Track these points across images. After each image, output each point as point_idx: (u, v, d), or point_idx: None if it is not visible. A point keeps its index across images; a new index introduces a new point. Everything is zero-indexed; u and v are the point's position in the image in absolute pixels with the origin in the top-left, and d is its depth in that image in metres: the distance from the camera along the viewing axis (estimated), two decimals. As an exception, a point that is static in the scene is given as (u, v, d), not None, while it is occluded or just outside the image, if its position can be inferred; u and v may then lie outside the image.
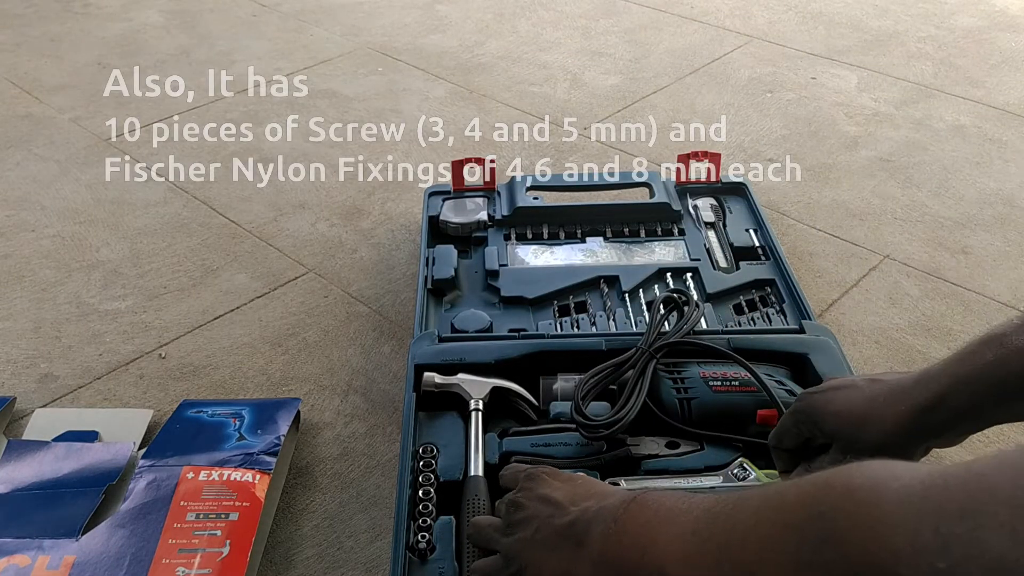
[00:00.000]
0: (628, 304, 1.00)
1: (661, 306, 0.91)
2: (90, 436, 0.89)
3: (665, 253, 1.08)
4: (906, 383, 0.61)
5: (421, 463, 0.78)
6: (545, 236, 1.12)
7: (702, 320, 0.95)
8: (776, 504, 0.42)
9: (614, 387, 0.83)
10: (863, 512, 0.36)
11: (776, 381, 0.82)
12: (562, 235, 1.12)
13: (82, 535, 0.77)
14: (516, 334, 0.94)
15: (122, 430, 0.90)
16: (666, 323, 0.88)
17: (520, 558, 0.59)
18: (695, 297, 0.92)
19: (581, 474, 0.68)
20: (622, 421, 0.77)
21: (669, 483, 0.75)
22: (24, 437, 0.90)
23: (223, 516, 0.78)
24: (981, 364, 0.56)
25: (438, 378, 0.85)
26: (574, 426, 0.80)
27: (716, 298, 1.00)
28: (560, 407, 0.83)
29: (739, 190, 1.18)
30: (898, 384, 0.62)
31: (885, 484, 0.37)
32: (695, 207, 1.16)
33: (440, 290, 1.02)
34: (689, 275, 1.03)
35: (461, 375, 0.85)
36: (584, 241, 1.11)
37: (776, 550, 0.41)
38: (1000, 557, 0.31)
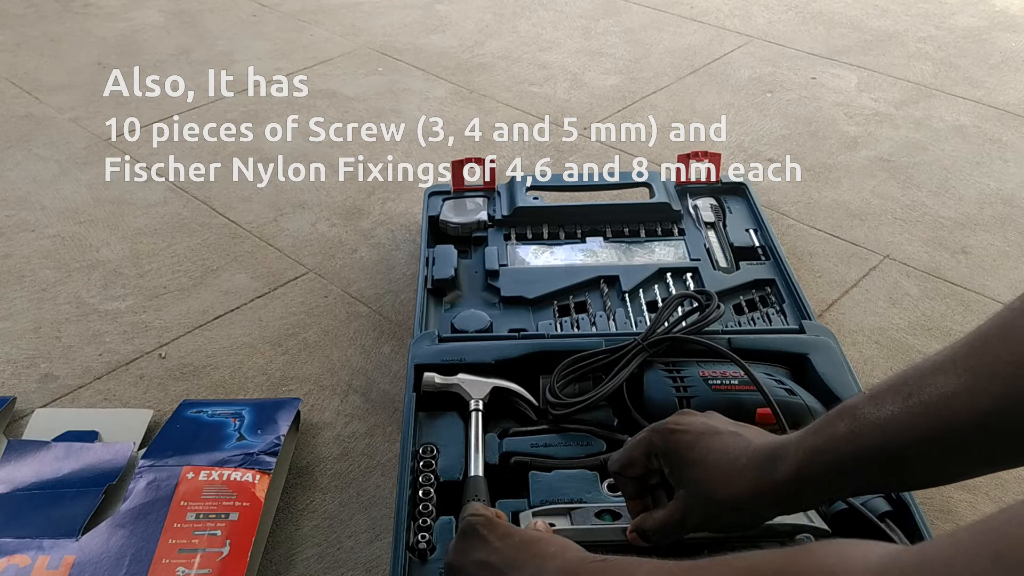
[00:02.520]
0: (628, 304, 1.00)
1: (681, 303, 0.90)
2: (90, 436, 0.89)
3: (665, 253, 1.08)
4: (764, 452, 0.60)
5: (421, 463, 0.78)
6: (545, 236, 1.12)
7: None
8: None
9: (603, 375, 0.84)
10: None
11: (776, 381, 0.82)
12: (562, 235, 1.12)
13: (82, 535, 0.77)
14: (516, 334, 0.94)
15: (122, 430, 0.90)
16: (669, 322, 0.88)
17: None
18: (716, 297, 0.91)
19: (517, 529, 0.62)
20: (587, 402, 0.79)
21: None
22: (24, 437, 0.90)
23: (223, 516, 0.78)
24: (835, 437, 0.56)
25: (438, 378, 0.85)
26: (574, 426, 0.80)
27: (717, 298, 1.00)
28: (548, 386, 0.84)
29: (739, 190, 1.18)
30: (758, 451, 0.61)
31: (837, 570, 0.37)
32: (695, 207, 1.16)
33: (440, 290, 1.02)
34: (689, 275, 1.03)
35: (461, 375, 0.85)
36: (584, 241, 1.11)
37: None
38: None
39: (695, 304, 0.90)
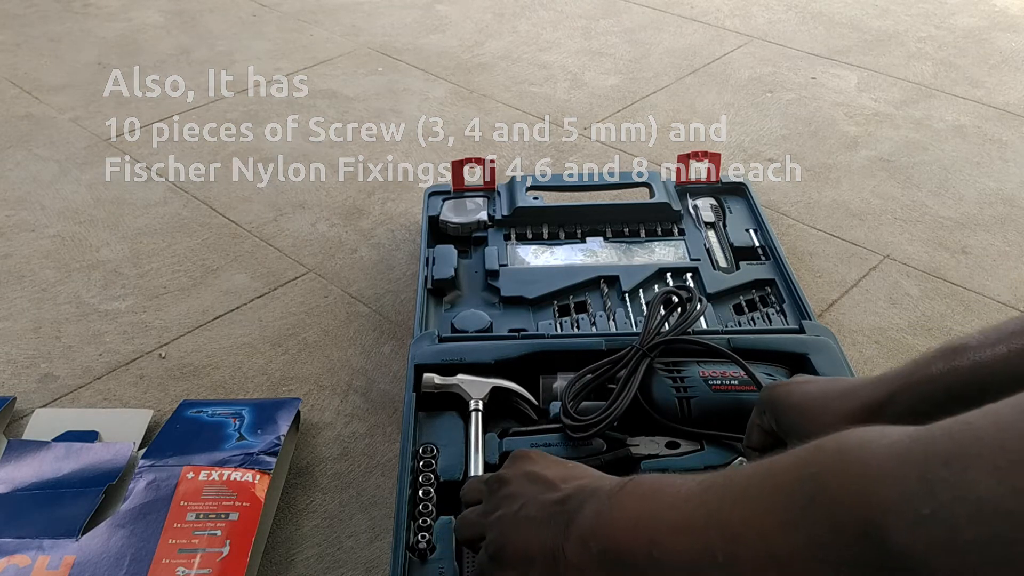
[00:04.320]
0: (628, 304, 1.00)
1: (662, 305, 0.90)
2: (90, 436, 0.89)
3: (665, 253, 1.08)
4: (860, 383, 0.63)
5: (421, 463, 0.78)
6: (545, 236, 1.12)
7: (702, 320, 0.95)
8: (767, 470, 0.42)
9: (613, 385, 0.83)
10: (851, 470, 0.37)
11: (776, 381, 0.82)
12: (562, 235, 1.12)
13: (82, 535, 0.77)
14: (516, 334, 0.94)
15: (122, 430, 0.90)
16: (666, 323, 0.88)
17: (499, 537, 0.56)
18: (697, 293, 0.91)
19: (574, 462, 0.64)
20: (607, 420, 0.78)
21: None
22: (24, 437, 0.90)
23: (223, 516, 0.78)
24: (933, 372, 0.58)
25: (437, 379, 0.85)
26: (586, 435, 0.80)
27: (716, 298, 1.00)
28: (560, 407, 0.83)
29: (739, 190, 1.18)
30: (853, 383, 0.64)
31: (874, 441, 0.37)
32: (695, 207, 1.16)
33: (440, 290, 1.02)
34: (689, 275, 1.03)
35: (460, 375, 0.85)
36: (584, 241, 1.11)
37: (762, 511, 0.40)
38: (983, 497, 0.31)
39: (677, 300, 0.90)
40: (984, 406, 0.35)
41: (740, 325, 0.97)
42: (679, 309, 0.88)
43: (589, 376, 0.83)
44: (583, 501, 0.53)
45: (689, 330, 0.87)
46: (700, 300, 0.88)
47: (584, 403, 0.81)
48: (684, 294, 0.89)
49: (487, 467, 0.77)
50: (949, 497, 0.32)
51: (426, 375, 0.85)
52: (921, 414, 0.57)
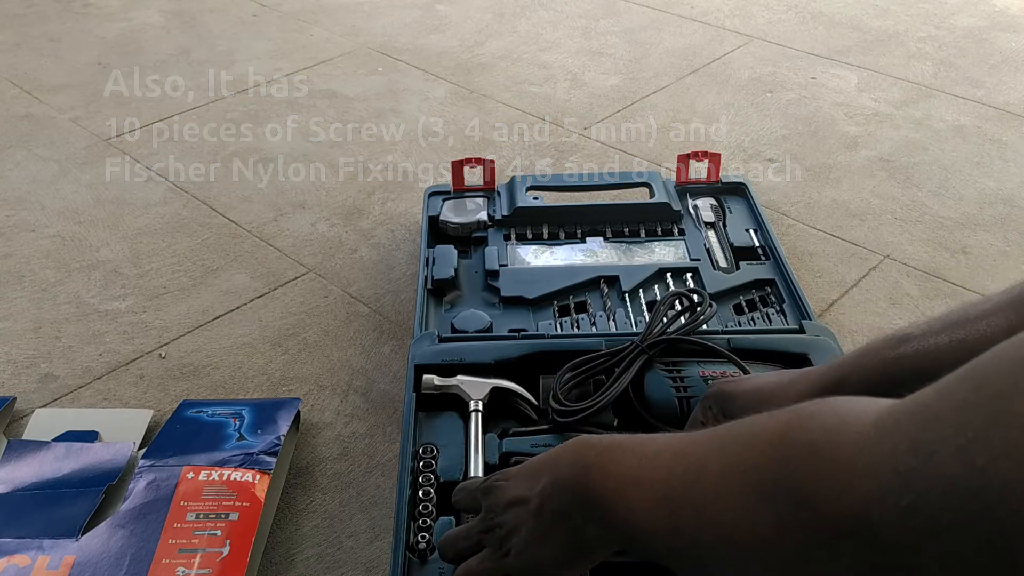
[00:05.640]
0: (628, 304, 1.00)
1: (670, 306, 0.90)
2: (90, 436, 0.89)
3: (665, 253, 1.08)
4: (811, 370, 0.65)
5: (421, 463, 0.78)
6: (545, 236, 1.12)
7: (702, 320, 0.95)
8: (737, 464, 0.43)
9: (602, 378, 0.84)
10: (825, 467, 0.37)
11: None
12: (562, 235, 1.12)
13: (82, 535, 0.77)
14: (516, 334, 0.94)
15: (122, 430, 0.90)
16: (671, 324, 0.88)
17: (528, 570, 0.57)
18: (707, 296, 0.91)
19: (522, 463, 0.62)
20: (593, 408, 0.78)
21: None
22: (24, 437, 0.90)
23: (223, 516, 0.78)
24: (882, 358, 0.60)
25: (437, 380, 0.84)
26: (575, 431, 0.80)
27: (716, 298, 1.00)
28: (552, 393, 0.84)
29: (739, 190, 1.18)
30: (804, 371, 0.66)
31: (841, 433, 0.38)
32: (695, 207, 1.16)
33: (440, 290, 1.02)
34: (689, 275, 1.03)
35: (460, 376, 0.85)
36: (584, 241, 1.11)
37: (746, 516, 0.41)
38: (952, 480, 0.32)
39: (688, 303, 0.90)
40: (937, 382, 0.35)
41: (740, 325, 0.97)
42: (688, 312, 0.88)
43: (584, 367, 0.83)
44: (556, 496, 0.54)
45: (695, 330, 0.87)
46: (711, 305, 0.88)
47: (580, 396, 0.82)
48: (696, 297, 0.89)
49: (487, 468, 0.77)
50: (923, 486, 0.33)
51: (426, 376, 0.85)
52: (874, 396, 0.59)
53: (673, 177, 1.20)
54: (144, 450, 0.85)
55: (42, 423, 0.92)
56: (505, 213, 1.13)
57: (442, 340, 0.91)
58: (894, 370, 0.58)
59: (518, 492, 0.58)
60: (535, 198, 1.15)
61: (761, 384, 0.67)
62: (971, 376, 0.34)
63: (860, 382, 0.60)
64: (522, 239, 1.11)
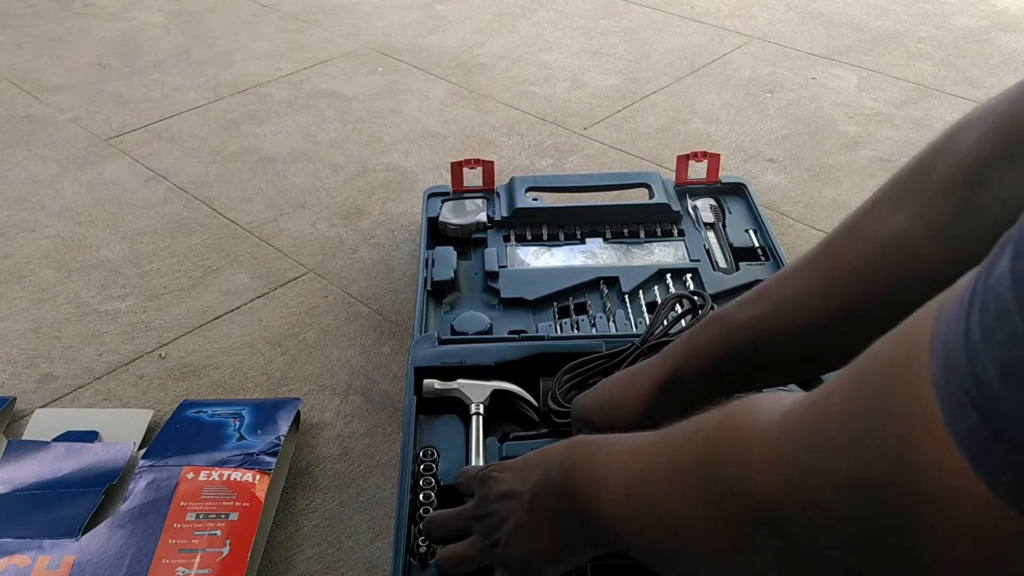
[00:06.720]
0: (628, 305, 1.00)
1: (671, 308, 0.90)
2: (90, 436, 0.89)
3: (665, 254, 1.08)
4: (646, 365, 0.66)
5: (421, 466, 0.78)
6: (545, 237, 1.12)
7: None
8: (676, 463, 0.45)
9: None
10: (743, 466, 0.40)
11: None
12: (562, 236, 1.12)
13: (82, 535, 0.77)
14: (516, 336, 0.94)
15: (122, 430, 0.90)
16: (671, 322, 0.88)
17: (514, 562, 0.59)
18: (710, 299, 0.91)
19: (520, 456, 0.64)
20: None
21: None
22: (24, 437, 0.90)
23: (223, 516, 0.78)
24: (708, 339, 0.62)
25: (438, 384, 0.85)
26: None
27: (716, 299, 1.00)
28: (550, 392, 0.84)
29: (739, 190, 1.18)
30: (640, 368, 0.67)
31: (753, 431, 0.40)
32: (695, 207, 1.16)
33: (440, 292, 1.02)
34: (689, 276, 1.03)
35: (460, 380, 0.85)
36: (584, 242, 1.11)
37: (686, 512, 0.44)
38: (843, 475, 0.33)
39: (690, 305, 0.90)
40: (828, 380, 0.37)
41: (740, 326, 0.97)
42: (690, 314, 0.88)
43: (583, 368, 0.83)
44: (543, 495, 0.56)
45: None
46: (713, 307, 0.88)
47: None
48: (698, 299, 0.89)
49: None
50: (819, 482, 0.35)
51: (426, 381, 0.85)
52: (709, 378, 0.62)
53: (673, 177, 1.20)
54: (144, 450, 0.85)
55: (42, 423, 0.92)
56: (504, 214, 1.13)
57: (442, 342, 0.91)
58: (723, 347, 0.60)
59: (511, 485, 0.59)
60: (534, 199, 1.15)
61: (604, 398, 0.68)
62: (853, 374, 0.35)
63: (697, 367, 0.62)
64: (522, 240, 1.11)
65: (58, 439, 0.89)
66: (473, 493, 0.65)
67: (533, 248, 1.10)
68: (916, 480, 0.30)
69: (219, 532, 0.76)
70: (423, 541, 0.71)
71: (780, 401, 0.40)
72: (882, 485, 0.32)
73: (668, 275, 1.03)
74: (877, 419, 0.32)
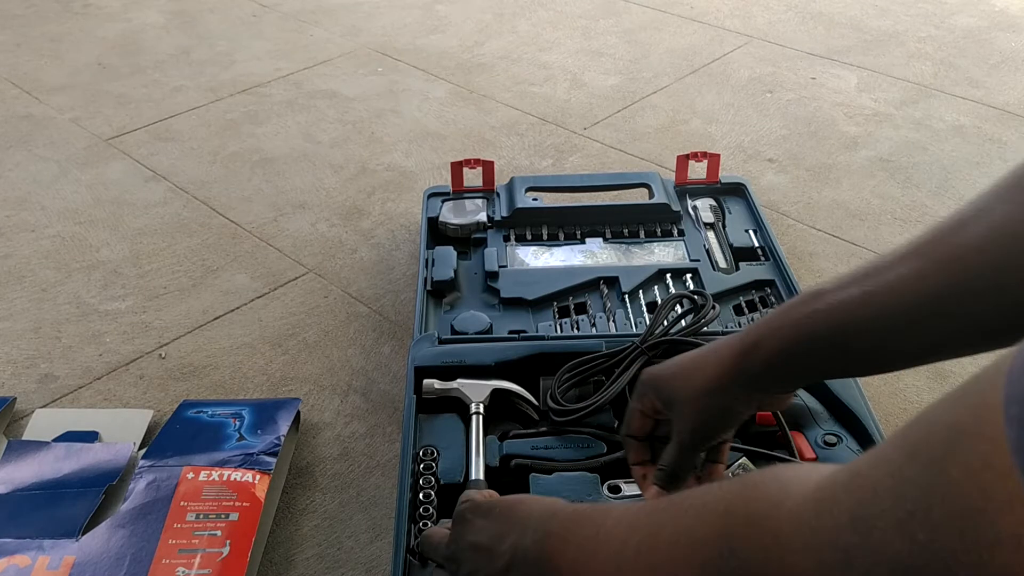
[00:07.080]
0: (628, 305, 1.00)
1: (672, 308, 0.90)
2: (90, 436, 0.89)
3: (664, 254, 1.08)
4: (728, 337, 0.65)
5: (422, 466, 0.78)
6: (544, 237, 1.12)
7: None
8: (686, 537, 0.43)
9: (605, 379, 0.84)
10: (767, 543, 0.37)
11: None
12: (561, 236, 1.12)
13: (82, 535, 0.77)
14: (516, 336, 0.94)
15: (122, 430, 0.90)
16: (671, 322, 0.88)
17: None
18: (711, 299, 0.91)
19: (499, 501, 0.63)
20: (589, 408, 0.79)
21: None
22: (24, 437, 0.90)
23: (223, 516, 0.78)
24: (795, 316, 0.60)
25: (438, 384, 0.84)
26: (575, 429, 0.80)
27: (716, 299, 1.00)
28: (549, 392, 0.84)
29: (739, 190, 1.18)
30: (722, 340, 0.66)
31: (780, 505, 0.37)
32: (694, 207, 1.16)
33: (440, 292, 1.02)
34: (689, 276, 1.03)
35: (460, 380, 0.85)
36: (583, 242, 1.11)
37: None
38: (895, 557, 0.31)
39: (691, 305, 0.90)
40: (872, 449, 0.35)
41: (740, 326, 0.97)
42: (690, 314, 0.88)
43: (582, 368, 0.83)
44: (516, 567, 0.55)
45: (699, 332, 0.87)
46: (714, 307, 0.88)
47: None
48: (699, 299, 0.89)
49: (488, 470, 0.77)
50: (866, 563, 0.32)
51: (426, 381, 0.85)
52: (788, 355, 0.60)
53: (673, 177, 1.20)
54: (144, 450, 0.85)
55: (42, 423, 0.92)
56: (504, 214, 1.13)
57: (442, 342, 0.91)
58: (808, 327, 0.58)
59: (482, 539, 0.58)
60: (534, 199, 1.15)
61: (684, 362, 0.68)
62: (904, 443, 0.33)
63: (775, 344, 0.60)
64: (521, 240, 1.11)
65: (58, 439, 0.89)
66: (433, 553, 0.65)
67: (533, 248, 1.10)
68: (989, 559, 0.27)
69: (219, 532, 0.76)
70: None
71: (811, 473, 0.37)
72: (941, 566, 0.29)
73: (668, 275, 1.03)
74: (935, 492, 0.29)
